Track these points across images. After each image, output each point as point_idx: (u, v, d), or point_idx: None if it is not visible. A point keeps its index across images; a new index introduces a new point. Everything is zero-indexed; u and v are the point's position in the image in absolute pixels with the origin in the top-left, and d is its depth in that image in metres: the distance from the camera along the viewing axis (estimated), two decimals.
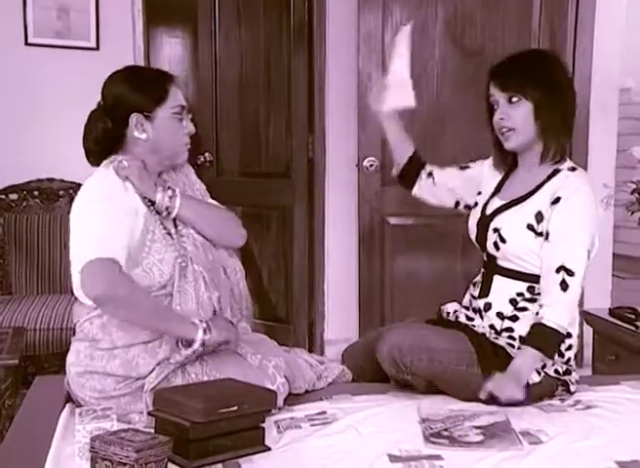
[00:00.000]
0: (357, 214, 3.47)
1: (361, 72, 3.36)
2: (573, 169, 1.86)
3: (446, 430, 1.60)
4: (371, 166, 3.38)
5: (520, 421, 1.63)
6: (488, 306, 1.88)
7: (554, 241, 1.79)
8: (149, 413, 1.56)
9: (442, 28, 3.38)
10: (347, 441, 1.56)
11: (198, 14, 4.27)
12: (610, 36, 3.49)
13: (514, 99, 1.84)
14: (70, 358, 1.77)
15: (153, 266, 1.70)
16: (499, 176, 2.00)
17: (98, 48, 3.38)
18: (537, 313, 1.77)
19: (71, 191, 3.30)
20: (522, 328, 1.82)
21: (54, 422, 1.60)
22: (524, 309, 1.84)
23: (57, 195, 3.30)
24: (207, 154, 4.15)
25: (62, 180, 3.32)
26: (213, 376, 1.69)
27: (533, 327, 1.75)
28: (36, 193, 3.28)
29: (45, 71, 3.35)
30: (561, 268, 1.76)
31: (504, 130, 1.86)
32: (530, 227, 1.83)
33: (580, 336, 3.32)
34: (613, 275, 3.73)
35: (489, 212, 1.93)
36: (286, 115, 3.87)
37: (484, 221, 1.93)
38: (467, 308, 1.97)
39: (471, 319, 1.93)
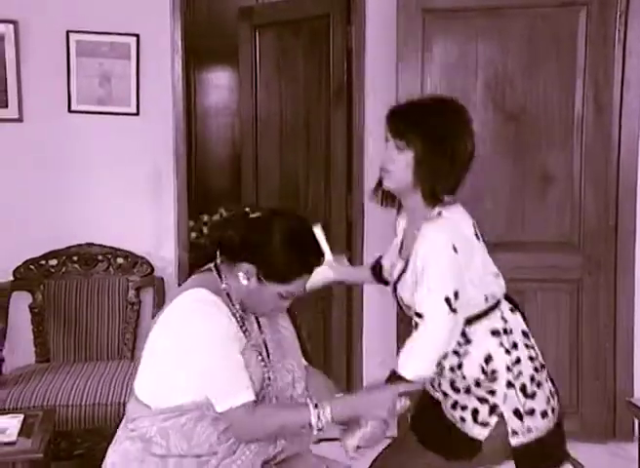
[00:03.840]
0: None
1: None
2: (439, 214, 1.87)
3: None
4: None
5: None
6: (440, 368, 1.89)
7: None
8: None
9: (482, 91, 3.33)
10: None
11: (240, 66, 4.32)
12: None
13: (400, 146, 1.88)
14: (115, 457, 1.73)
15: None
16: (402, 226, 2.05)
17: (138, 113, 3.42)
18: None
19: (109, 256, 3.33)
20: (469, 370, 1.87)
21: None
22: (465, 353, 1.87)
23: (95, 260, 3.32)
24: (247, 210, 4.14)
25: (102, 246, 3.34)
26: None
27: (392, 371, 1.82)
28: (75, 258, 3.30)
29: (87, 137, 3.41)
30: (415, 314, 1.83)
31: (384, 169, 1.92)
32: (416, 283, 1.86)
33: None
34: None
35: (395, 276, 1.98)
36: (325, 174, 3.86)
37: (393, 288, 1.98)
38: None
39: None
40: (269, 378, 1.78)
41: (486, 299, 1.89)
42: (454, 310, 1.79)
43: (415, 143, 1.85)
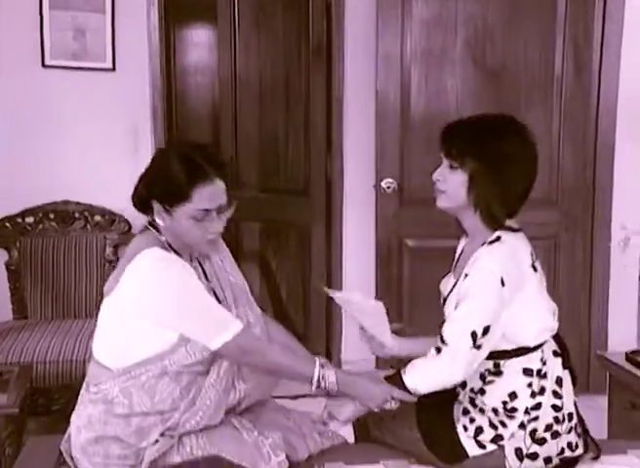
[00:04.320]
0: (375, 235, 3.43)
1: (379, 93, 3.30)
2: (497, 239, 1.78)
3: None
4: (388, 188, 3.33)
5: None
6: (463, 384, 1.88)
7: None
8: None
9: (462, 48, 3.31)
10: None
11: (218, 23, 4.26)
12: (638, 55, 3.37)
13: (454, 166, 1.81)
14: (80, 420, 1.74)
15: (197, 349, 1.70)
16: (460, 247, 1.99)
17: (114, 68, 3.36)
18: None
19: (86, 213, 3.31)
20: (491, 399, 1.83)
21: None
22: (491, 382, 1.83)
23: (72, 217, 3.29)
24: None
25: (78, 203, 3.31)
26: (207, 451, 1.68)
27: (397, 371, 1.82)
28: (52, 216, 3.27)
29: (62, 92, 3.34)
30: (439, 338, 1.77)
31: (437, 189, 1.86)
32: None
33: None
34: None
35: (446, 293, 1.92)
36: (304, 133, 3.84)
37: (442, 305, 1.93)
38: None
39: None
40: None
41: (532, 335, 1.81)
42: (477, 346, 1.73)
43: (469, 166, 1.78)
